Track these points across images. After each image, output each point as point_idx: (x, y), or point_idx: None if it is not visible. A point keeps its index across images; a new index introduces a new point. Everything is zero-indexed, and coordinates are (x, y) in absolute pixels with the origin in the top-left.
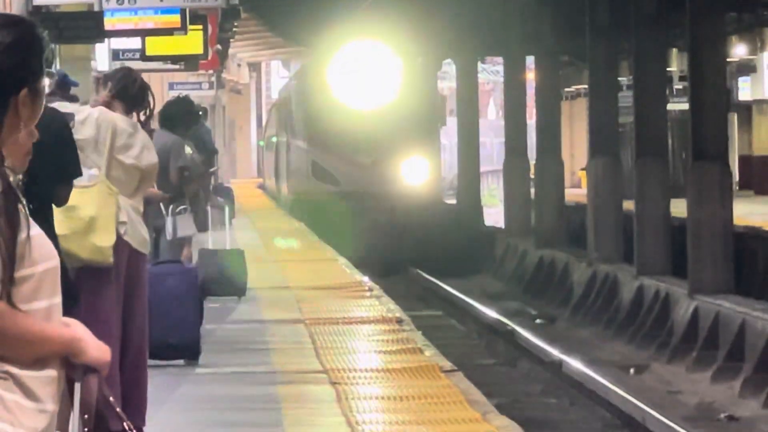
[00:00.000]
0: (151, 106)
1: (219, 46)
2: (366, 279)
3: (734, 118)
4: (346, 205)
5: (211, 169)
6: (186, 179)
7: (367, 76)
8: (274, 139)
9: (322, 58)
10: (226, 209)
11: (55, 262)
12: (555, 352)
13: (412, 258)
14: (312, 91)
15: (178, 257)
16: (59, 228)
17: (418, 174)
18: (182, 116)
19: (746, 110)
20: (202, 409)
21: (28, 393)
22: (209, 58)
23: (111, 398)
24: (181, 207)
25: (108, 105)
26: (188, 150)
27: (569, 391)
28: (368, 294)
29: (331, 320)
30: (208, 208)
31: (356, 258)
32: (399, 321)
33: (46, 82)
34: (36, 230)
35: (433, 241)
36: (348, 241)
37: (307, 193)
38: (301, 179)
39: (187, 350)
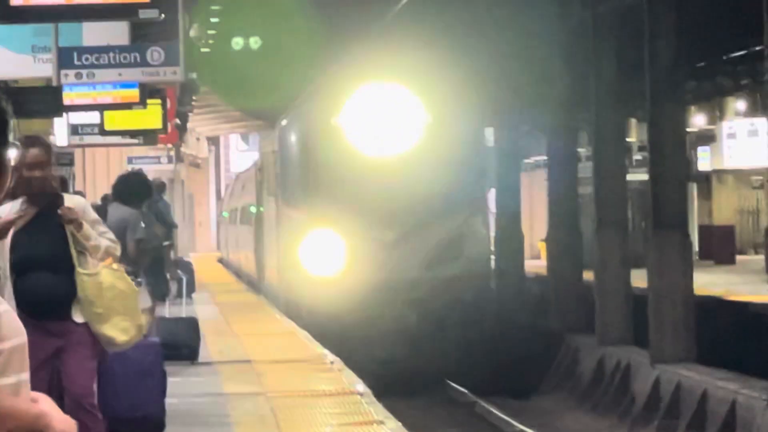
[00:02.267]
0: None
1: (178, 120)
2: (327, 352)
3: (694, 188)
4: (359, 298)
5: (165, 243)
6: (142, 252)
7: (392, 124)
8: (253, 209)
9: (332, 101)
10: (184, 280)
11: (23, 338)
12: (516, 423)
13: (451, 370)
14: (311, 145)
15: None
16: None
17: (456, 254)
18: (137, 190)
19: (706, 180)
20: None
21: None
22: (168, 132)
23: None
24: (138, 280)
25: None
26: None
27: None
28: (329, 367)
29: (293, 393)
30: (168, 278)
31: (376, 369)
32: (360, 394)
33: (12, 154)
34: (4, 307)
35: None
36: (365, 346)
37: (306, 285)
38: (294, 262)
39: (152, 425)
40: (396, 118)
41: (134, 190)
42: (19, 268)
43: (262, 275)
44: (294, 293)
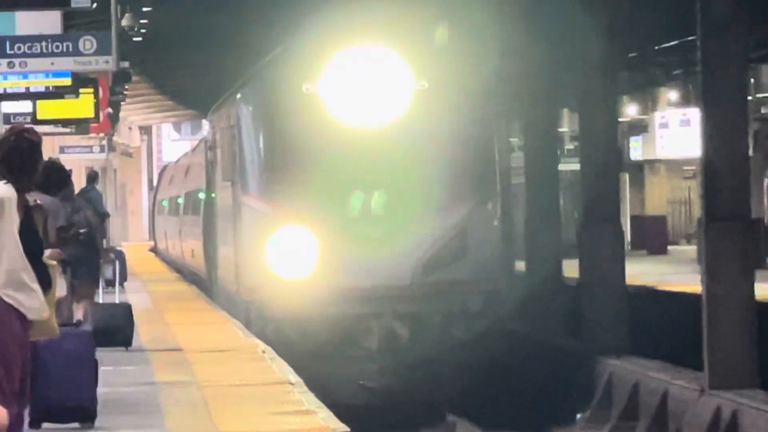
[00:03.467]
0: None
1: (110, 110)
2: (258, 342)
3: (626, 178)
4: (337, 310)
5: (82, 231)
6: (63, 240)
7: (379, 91)
8: (201, 196)
9: (298, 74)
10: (117, 268)
11: None
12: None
13: (453, 399)
14: (280, 121)
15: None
16: None
17: (456, 257)
18: (54, 178)
19: (638, 170)
20: None
21: None
22: (100, 121)
23: None
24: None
25: None
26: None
27: None
28: (261, 356)
29: (224, 383)
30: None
31: (360, 397)
32: (292, 383)
33: None
34: None
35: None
36: (345, 370)
37: (272, 289)
38: (259, 262)
39: (84, 413)
40: (383, 84)
41: (52, 179)
42: None
43: (213, 275)
44: (257, 300)
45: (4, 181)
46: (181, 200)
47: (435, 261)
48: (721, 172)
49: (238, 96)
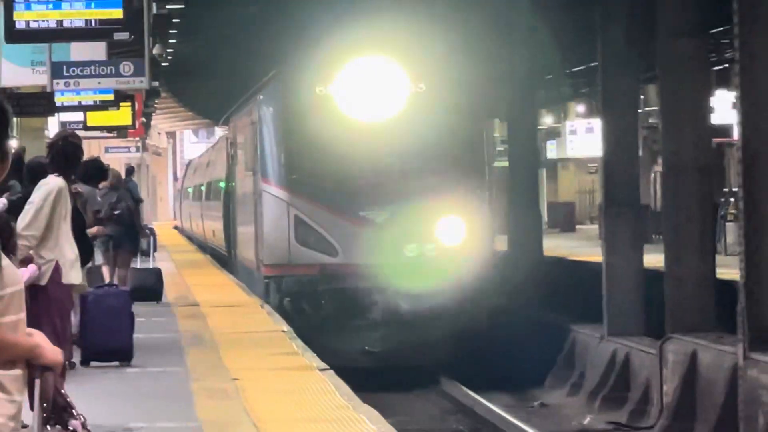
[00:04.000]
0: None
1: (144, 119)
2: (260, 300)
3: (543, 173)
4: (345, 284)
5: (116, 212)
6: (99, 220)
7: (383, 93)
8: (222, 185)
9: (312, 78)
10: (151, 241)
11: (20, 286)
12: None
13: (448, 363)
14: (296, 119)
15: (97, 281)
16: None
17: (453, 238)
18: (92, 173)
19: (553, 167)
20: (130, 402)
21: (1, 388)
22: (136, 128)
23: (63, 391)
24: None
25: None
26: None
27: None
28: (261, 311)
29: (231, 330)
30: (145, 242)
31: (365, 362)
32: (284, 331)
33: (12, 145)
34: (6, 261)
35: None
36: (351, 337)
37: (288, 266)
38: (278, 245)
39: (123, 354)
40: (385, 87)
41: (90, 172)
42: None
43: (233, 252)
44: (275, 276)
45: (56, 174)
46: (203, 188)
47: (432, 242)
48: (617, 168)
49: (260, 97)
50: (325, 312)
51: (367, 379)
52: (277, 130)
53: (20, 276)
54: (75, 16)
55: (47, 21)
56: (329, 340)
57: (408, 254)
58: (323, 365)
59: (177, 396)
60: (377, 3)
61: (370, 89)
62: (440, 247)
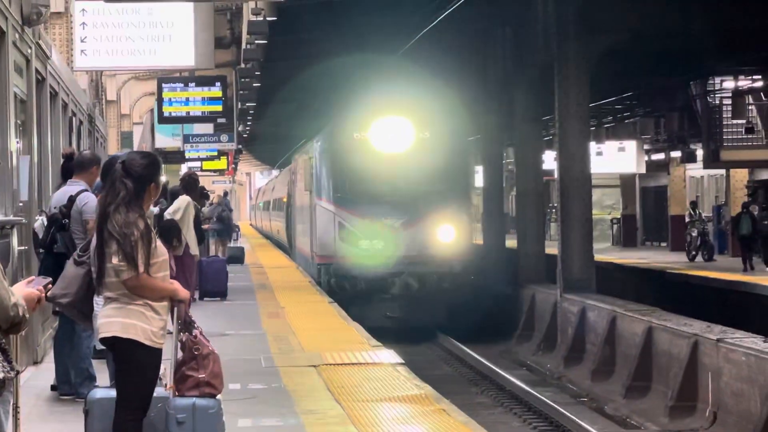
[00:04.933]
0: None
1: (233, 165)
2: (312, 281)
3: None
4: (373, 270)
5: (212, 219)
6: (206, 220)
7: (399, 149)
8: (284, 200)
9: (351, 127)
10: (238, 232)
11: (166, 256)
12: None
13: (443, 323)
14: (340, 155)
15: (206, 254)
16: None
17: (448, 238)
18: (203, 194)
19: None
20: (226, 320)
21: (156, 311)
22: (229, 170)
23: (189, 313)
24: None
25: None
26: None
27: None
28: (315, 290)
29: (281, 280)
30: (234, 233)
31: (386, 323)
32: (331, 303)
33: (162, 179)
34: (158, 242)
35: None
36: (377, 308)
37: (334, 257)
38: (326, 240)
39: (222, 293)
40: (400, 134)
41: (202, 194)
42: None
43: (293, 245)
44: (324, 263)
45: (185, 195)
46: (270, 202)
47: (434, 240)
48: (492, 193)
49: (316, 141)
50: (359, 288)
51: (387, 335)
52: (327, 163)
53: (165, 250)
54: (196, 110)
55: (181, 112)
56: (362, 308)
57: (417, 249)
58: (357, 325)
59: (251, 317)
60: (395, 78)
61: (390, 136)
62: (439, 243)
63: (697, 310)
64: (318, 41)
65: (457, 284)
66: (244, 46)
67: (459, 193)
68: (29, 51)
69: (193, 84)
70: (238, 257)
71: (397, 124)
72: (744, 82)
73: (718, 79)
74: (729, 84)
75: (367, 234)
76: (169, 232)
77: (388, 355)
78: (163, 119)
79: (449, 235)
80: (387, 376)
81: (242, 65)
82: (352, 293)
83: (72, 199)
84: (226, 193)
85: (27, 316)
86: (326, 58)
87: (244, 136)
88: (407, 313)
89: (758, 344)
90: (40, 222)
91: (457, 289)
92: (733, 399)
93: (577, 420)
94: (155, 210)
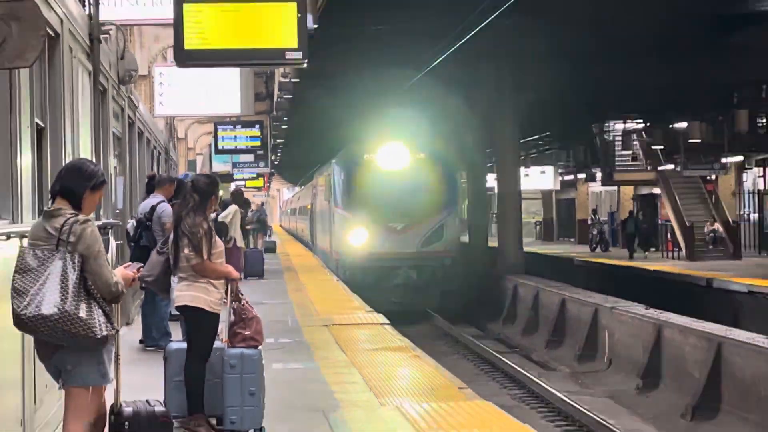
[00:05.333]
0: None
1: (268, 184)
2: (324, 264)
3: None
4: (380, 264)
5: (253, 221)
6: (250, 222)
7: (400, 167)
8: (309, 207)
9: (362, 151)
10: (270, 231)
11: (222, 247)
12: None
13: (435, 308)
14: (353, 172)
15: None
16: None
17: (440, 238)
18: (243, 204)
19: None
20: (264, 293)
21: (215, 287)
22: (265, 187)
23: (239, 288)
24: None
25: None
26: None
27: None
28: (327, 271)
29: (302, 264)
30: (269, 231)
31: (389, 307)
32: (338, 280)
33: (220, 193)
34: (216, 238)
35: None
36: (383, 294)
37: (349, 253)
38: (343, 240)
39: (260, 274)
40: (401, 155)
41: (243, 204)
42: None
43: (314, 243)
44: (341, 258)
45: (234, 204)
46: (297, 209)
47: (428, 240)
48: (505, 197)
49: (333, 161)
50: (369, 279)
51: (391, 316)
52: (343, 179)
53: (222, 243)
54: (241, 144)
55: (230, 146)
56: (371, 295)
57: (415, 247)
58: (369, 308)
59: (281, 291)
60: (395, 112)
61: (393, 156)
62: (433, 242)
63: (597, 285)
64: (331, 95)
65: (447, 275)
66: (275, 99)
67: (448, 201)
68: (123, 102)
69: (239, 126)
70: (272, 248)
71: (398, 148)
72: (630, 125)
73: (611, 122)
74: (619, 126)
75: (375, 235)
76: (220, 231)
77: (379, 318)
78: (218, 151)
79: (440, 236)
80: (378, 332)
81: (274, 113)
82: (363, 283)
83: (153, 208)
84: (262, 203)
85: (124, 291)
86: (338, 106)
87: (276, 163)
88: (408, 299)
89: (641, 311)
90: (131, 224)
91: (447, 278)
92: (624, 349)
93: (510, 363)
94: (213, 215)
